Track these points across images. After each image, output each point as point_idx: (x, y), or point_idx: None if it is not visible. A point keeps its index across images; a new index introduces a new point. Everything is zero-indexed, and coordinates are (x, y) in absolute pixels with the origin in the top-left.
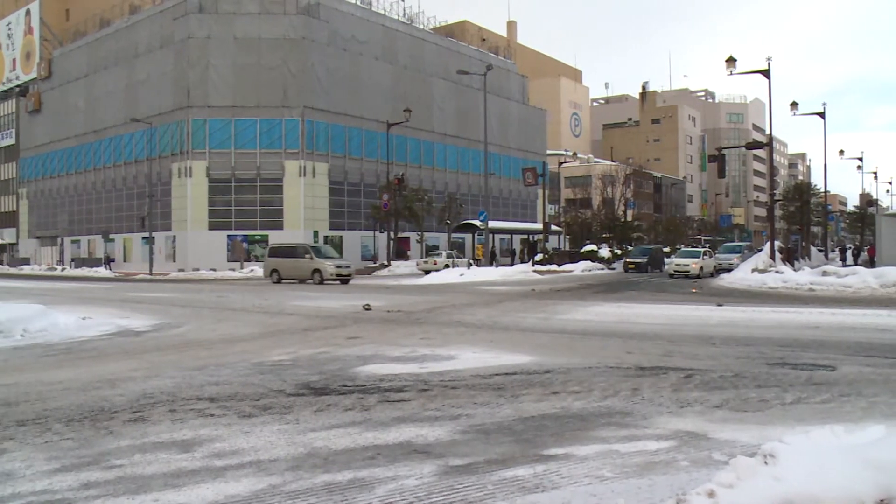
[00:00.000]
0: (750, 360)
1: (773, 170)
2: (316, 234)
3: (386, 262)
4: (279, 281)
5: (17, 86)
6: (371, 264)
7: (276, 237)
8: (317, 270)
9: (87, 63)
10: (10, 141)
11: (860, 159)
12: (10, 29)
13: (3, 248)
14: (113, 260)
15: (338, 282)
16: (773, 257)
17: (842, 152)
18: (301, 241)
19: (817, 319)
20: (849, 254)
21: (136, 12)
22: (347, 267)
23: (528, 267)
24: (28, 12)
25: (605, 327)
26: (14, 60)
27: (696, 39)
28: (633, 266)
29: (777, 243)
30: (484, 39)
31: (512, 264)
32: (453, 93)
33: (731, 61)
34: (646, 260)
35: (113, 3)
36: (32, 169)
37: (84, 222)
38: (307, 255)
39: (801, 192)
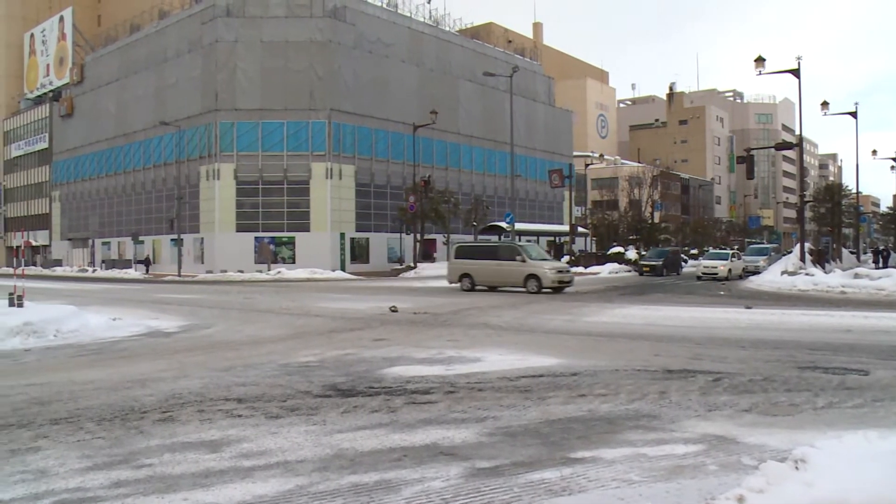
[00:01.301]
0: (780, 363)
1: (802, 170)
2: (343, 235)
3: (412, 264)
4: (472, 288)
5: (51, 91)
6: (398, 266)
7: (302, 239)
8: (533, 277)
9: (117, 68)
10: (44, 145)
11: (894, 159)
12: (44, 35)
13: (36, 250)
14: (150, 262)
15: (549, 290)
16: (803, 259)
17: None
18: (503, 240)
19: (849, 322)
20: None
21: (165, 17)
22: (568, 272)
23: None
24: (62, 19)
25: (632, 329)
26: (48, 66)
27: (723, 39)
28: (647, 269)
29: (807, 245)
30: (510, 41)
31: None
32: (479, 94)
33: (759, 61)
34: (661, 262)
35: (143, 8)
36: (65, 172)
37: (114, 224)
38: (518, 258)
39: (832, 193)
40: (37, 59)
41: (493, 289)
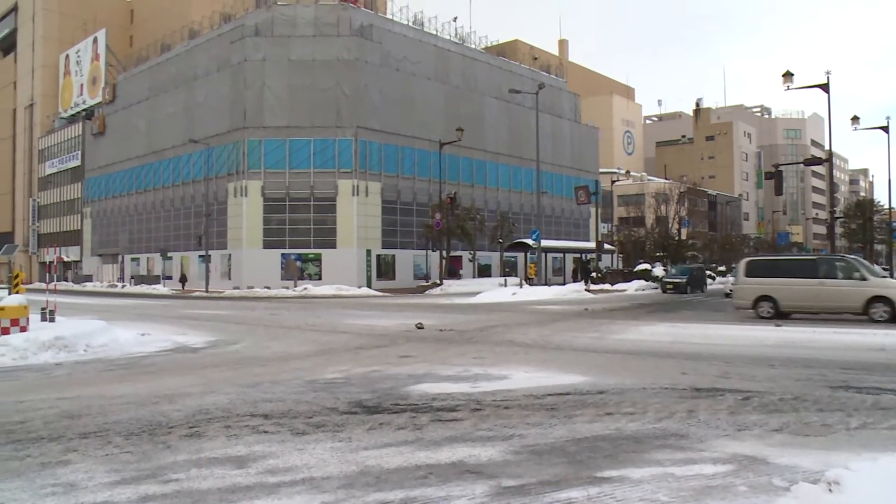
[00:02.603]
0: (811, 382)
1: (832, 186)
2: (369, 252)
3: (438, 281)
4: (774, 315)
5: (84, 110)
6: (424, 283)
7: (329, 256)
8: (881, 300)
9: (148, 87)
10: (76, 162)
11: None
12: (78, 56)
13: (68, 266)
14: (185, 279)
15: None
16: None
17: None
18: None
19: (882, 341)
20: None
21: (195, 37)
22: None
23: (580, 286)
24: (95, 40)
25: (660, 347)
26: (82, 86)
27: (751, 54)
28: (671, 286)
29: None
30: (535, 58)
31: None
32: (505, 111)
33: (787, 76)
34: (685, 280)
35: (173, 28)
36: (96, 189)
37: (143, 240)
38: (854, 275)
39: (864, 209)
40: (71, 79)
41: (783, 315)
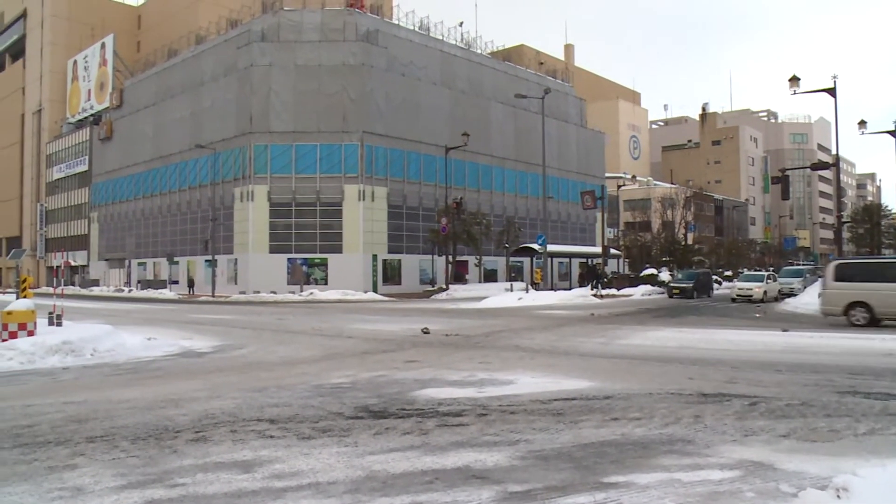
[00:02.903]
0: (818, 387)
1: (839, 191)
2: (375, 257)
3: (444, 286)
4: (867, 322)
5: (91, 115)
6: (429, 288)
7: (335, 260)
8: None
9: (155, 92)
10: (84, 167)
11: None
12: (86, 62)
13: (75, 270)
14: (193, 283)
15: None
16: None
17: None
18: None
19: (891, 346)
20: None
21: (201, 42)
22: None
23: (586, 291)
24: (103, 45)
25: (666, 353)
26: (89, 91)
27: (757, 58)
28: (677, 291)
29: None
30: (541, 63)
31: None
32: (511, 116)
33: (794, 80)
34: (692, 285)
35: (180, 34)
36: (103, 194)
37: (150, 245)
38: None
39: (871, 214)
40: (79, 84)
41: (876, 322)
